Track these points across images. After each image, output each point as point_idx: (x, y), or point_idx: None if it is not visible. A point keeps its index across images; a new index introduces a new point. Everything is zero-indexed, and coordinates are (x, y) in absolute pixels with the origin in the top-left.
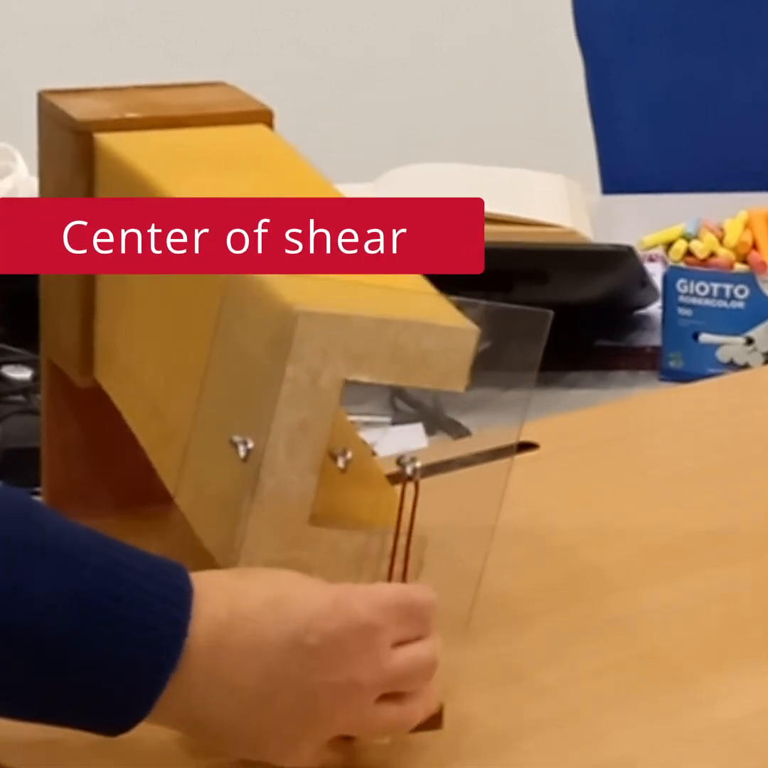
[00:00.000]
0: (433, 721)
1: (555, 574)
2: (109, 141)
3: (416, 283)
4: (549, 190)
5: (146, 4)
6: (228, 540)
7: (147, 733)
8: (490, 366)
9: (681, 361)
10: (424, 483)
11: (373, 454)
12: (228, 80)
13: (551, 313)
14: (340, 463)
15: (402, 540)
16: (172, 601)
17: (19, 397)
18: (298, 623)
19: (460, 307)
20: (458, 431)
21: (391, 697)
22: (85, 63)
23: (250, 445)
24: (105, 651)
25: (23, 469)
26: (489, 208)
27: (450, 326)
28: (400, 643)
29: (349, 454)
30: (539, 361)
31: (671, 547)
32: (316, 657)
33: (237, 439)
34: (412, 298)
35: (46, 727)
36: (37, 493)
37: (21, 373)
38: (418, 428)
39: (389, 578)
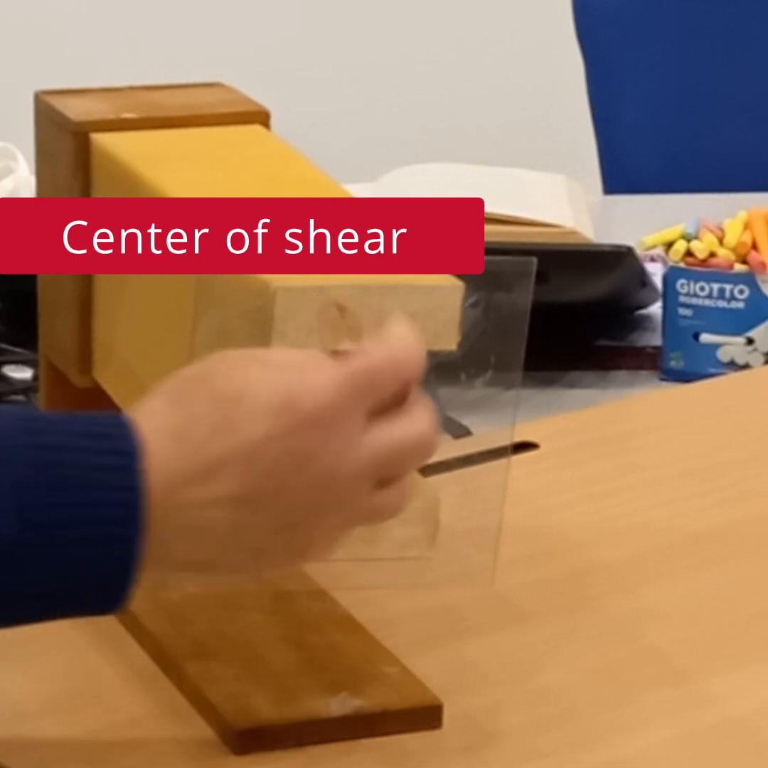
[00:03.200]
0: (432, 720)
1: (556, 573)
2: (105, 141)
3: None
4: (550, 190)
5: (145, 5)
6: None
7: (149, 734)
8: (479, 319)
9: (681, 361)
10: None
11: None
12: (228, 80)
13: (535, 259)
14: None
15: None
16: (120, 467)
17: (20, 397)
18: (246, 444)
19: None
20: (458, 431)
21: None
22: (84, 63)
23: None
24: (66, 539)
25: None
26: (490, 208)
27: (433, 285)
28: (380, 414)
29: None
30: (529, 309)
31: (672, 546)
32: (278, 470)
33: None
34: None
35: (47, 728)
36: None
37: (21, 373)
38: None
39: None
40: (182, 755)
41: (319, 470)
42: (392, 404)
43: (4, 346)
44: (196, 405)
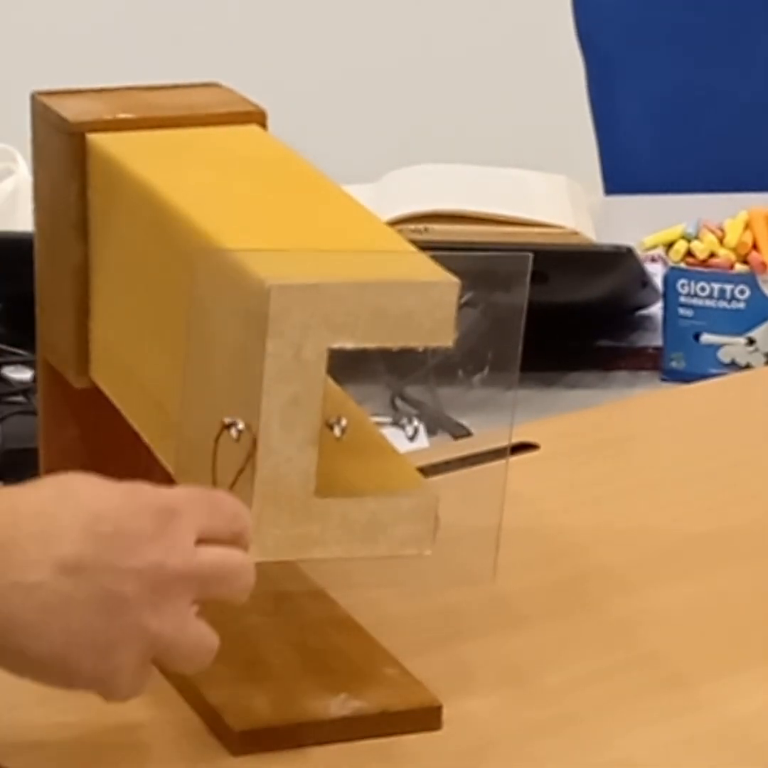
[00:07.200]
0: (432, 722)
1: (556, 575)
2: (101, 142)
3: (392, 242)
4: (551, 190)
5: (142, 5)
6: None
7: (148, 736)
8: (476, 316)
9: (682, 361)
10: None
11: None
12: (230, 80)
13: (530, 255)
14: (336, 432)
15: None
16: None
17: (20, 398)
18: (89, 512)
19: (438, 261)
20: (459, 431)
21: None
22: (82, 64)
23: (241, 425)
24: None
25: (23, 470)
26: (491, 209)
27: (429, 282)
28: (207, 541)
29: (344, 422)
30: (526, 306)
31: (673, 548)
32: (110, 544)
33: (229, 420)
34: (388, 259)
35: (45, 730)
36: None
37: (21, 374)
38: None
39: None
40: (181, 757)
41: (148, 556)
42: (220, 531)
43: (4, 346)
44: (41, 484)
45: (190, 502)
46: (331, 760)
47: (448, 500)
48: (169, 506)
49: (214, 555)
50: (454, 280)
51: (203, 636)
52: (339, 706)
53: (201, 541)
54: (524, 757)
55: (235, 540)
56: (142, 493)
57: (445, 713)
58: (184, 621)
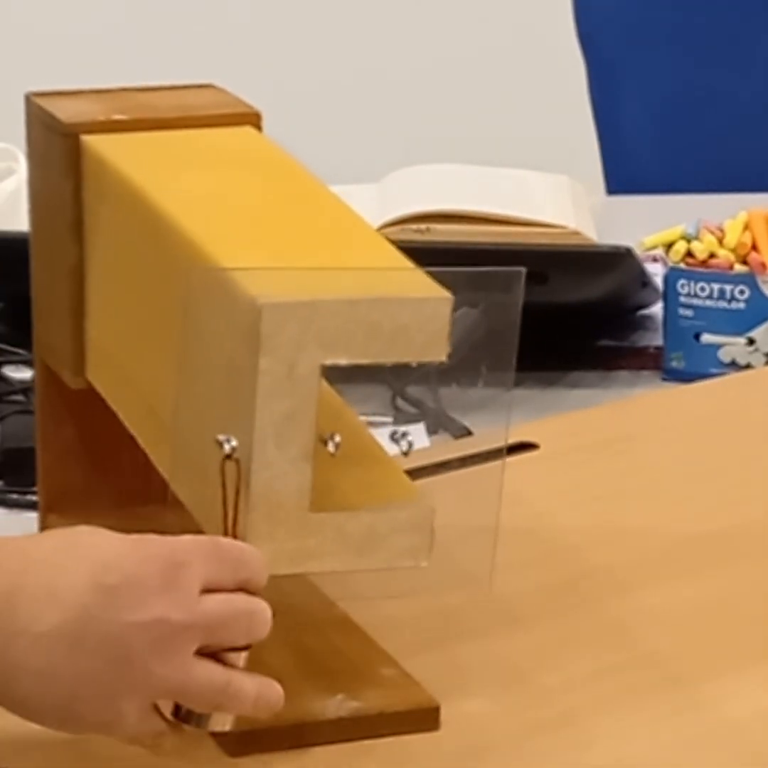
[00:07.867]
0: (429, 722)
1: (556, 575)
2: (96, 143)
3: (383, 249)
4: (552, 191)
5: (138, 6)
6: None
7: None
8: (469, 330)
9: (683, 361)
10: (424, 483)
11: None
12: (225, 82)
13: (523, 270)
14: (330, 448)
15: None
16: None
17: (19, 397)
18: (96, 562)
19: (431, 276)
20: (460, 431)
21: (214, 657)
22: (82, 64)
23: (234, 442)
24: None
25: (22, 470)
26: (492, 209)
27: (422, 297)
28: (212, 590)
29: (338, 438)
30: (519, 320)
31: (673, 548)
32: (117, 596)
33: (221, 437)
34: (380, 275)
35: (47, 730)
36: (34, 494)
37: (21, 373)
38: (419, 428)
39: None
40: (179, 757)
41: (153, 610)
42: (226, 579)
43: (4, 346)
44: (51, 533)
45: (196, 552)
46: (329, 761)
47: (447, 501)
48: (176, 557)
49: (216, 603)
50: (447, 294)
51: (212, 677)
52: (337, 706)
53: (207, 589)
54: (522, 758)
55: (243, 586)
56: (149, 544)
57: (443, 714)
58: (190, 665)
